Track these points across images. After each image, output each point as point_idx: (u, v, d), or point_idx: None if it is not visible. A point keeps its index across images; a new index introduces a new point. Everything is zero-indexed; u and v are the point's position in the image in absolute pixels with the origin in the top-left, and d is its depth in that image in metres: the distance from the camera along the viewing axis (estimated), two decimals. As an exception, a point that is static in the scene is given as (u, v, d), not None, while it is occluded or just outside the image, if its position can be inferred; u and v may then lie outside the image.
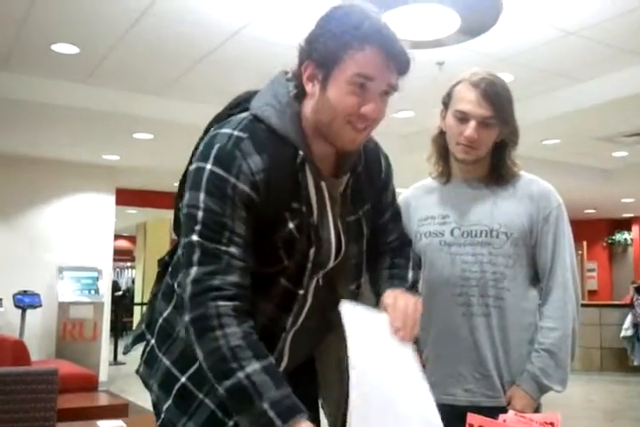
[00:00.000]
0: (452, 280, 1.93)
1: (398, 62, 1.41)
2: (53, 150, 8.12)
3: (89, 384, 5.68)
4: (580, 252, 14.07)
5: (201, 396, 1.50)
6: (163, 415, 1.55)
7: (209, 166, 1.39)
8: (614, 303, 11.21)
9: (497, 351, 1.89)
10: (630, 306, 9.96)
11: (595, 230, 14.34)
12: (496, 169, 1.98)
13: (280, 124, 1.44)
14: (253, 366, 1.30)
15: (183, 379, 1.52)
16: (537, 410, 1.88)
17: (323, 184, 1.49)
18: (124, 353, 1.89)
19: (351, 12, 1.41)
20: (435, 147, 2.04)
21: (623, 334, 9.75)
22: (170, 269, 1.63)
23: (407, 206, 2.08)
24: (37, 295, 8.03)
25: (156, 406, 1.58)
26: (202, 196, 1.39)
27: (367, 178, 1.61)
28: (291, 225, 1.44)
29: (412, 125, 7.15)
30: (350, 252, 1.59)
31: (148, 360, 1.62)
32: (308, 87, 1.44)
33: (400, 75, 1.43)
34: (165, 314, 1.60)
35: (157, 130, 6.78)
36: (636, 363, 9.76)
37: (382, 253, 1.71)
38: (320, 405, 1.71)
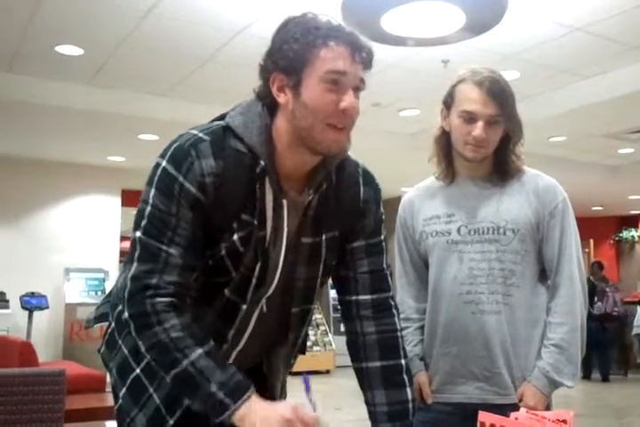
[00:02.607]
0: (460, 278, 1.92)
1: (363, 54, 1.41)
2: (58, 152, 8.13)
3: (97, 385, 5.67)
4: (586, 250, 14.03)
5: (151, 390, 1.52)
6: (120, 401, 1.58)
7: (164, 163, 1.40)
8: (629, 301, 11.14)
9: (507, 348, 1.88)
10: None
11: (602, 228, 14.30)
12: (500, 165, 1.97)
13: (247, 134, 1.43)
14: (196, 353, 1.34)
15: (138, 370, 1.54)
16: (548, 407, 1.87)
17: (284, 202, 1.47)
18: (86, 327, 1.90)
19: (306, 18, 1.44)
20: (437, 147, 2.02)
21: (635, 331, 9.66)
22: None
23: (411, 206, 2.08)
24: (44, 297, 8.05)
25: (114, 389, 1.61)
26: (152, 192, 1.40)
27: (338, 204, 1.55)
28: (235, 236, 1.43)
29: (417, 124, 7.14)
30: (298, 274, 1.56)
31: (109, 343, 1.64)
32: (281, 98, 1.42)
33: (365, 69, 1.42)
34: None
35: (163, 131, 6.73)
36: (638, 360, 9.72)
37: (363, 324, 1.62)
38: None
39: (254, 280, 1.48)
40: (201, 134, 1.43)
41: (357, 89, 1.42)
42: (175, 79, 5.97)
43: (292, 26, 1.42)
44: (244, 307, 1.50)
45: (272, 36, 1.45)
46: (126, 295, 1.39)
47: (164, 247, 1.38)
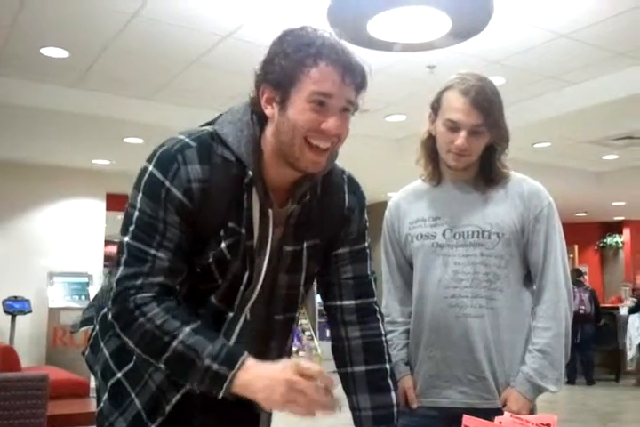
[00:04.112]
0: (444, 282, 1.92)
1: (354, 76, 1.39)
2: (43, 155, 8.07)
3: (80, 391, 5.62)
4: (571, 255, 14.09)
5: (133, 395, 1.50)
6: (101, 405, 1.56)
7: (151, 167, 1.40)
8: (606, 306, 11.21)
9: (491, 353, 1.88)
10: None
11: (586, 234, 14.38)
12: (485, 172, 1.97)
13: (235, 144, 1.42)
14: (184, 332, 1.33)
15: (119, 374, 1.53)
16: (532, 411, 1.87)
17: (270, 211, 1.47)
18: (72, 332, 1.90)
19: (303, 33, 1.40)
20: (424, 150, 2.03)
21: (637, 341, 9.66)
22: None
23: (398, 209, 2.08)
24: (27, 301, 7.98)
25: (98, 392, 1.60)
26: (140, 196, 1.40)
27: (321, 212, 1.55)
28: (223, 244, 1.43)
29: (403, 129, 7.15)
30: (279, 281, 1.56)
31: (93, 346, 1.63)
32: (268, 111, 1.41)
33: (358, 90, 1.41)
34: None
35: (148, 134, 6.74)
36: (629, 368, 9.76)
37: (348, 329, 1.62)
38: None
39: (242, 288, 1.48)
40: (188, 140, 1.42)
41: (346, 110, 1.41)
42: (161, 83, 5.95)
43: (288, 39, 1.40)
44: (231, 315, 1.50)
45: (269, 47, 1.44)
46: (111, 298, 1.39)
47: (153, 251, 1.38)
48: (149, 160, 1.42)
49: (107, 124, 6.52)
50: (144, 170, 1.41)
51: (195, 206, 1.40)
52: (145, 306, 1.35)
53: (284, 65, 1.36)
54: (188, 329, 1.33)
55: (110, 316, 1.39)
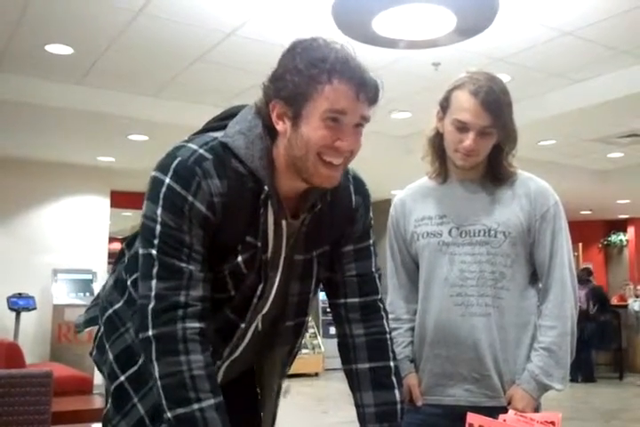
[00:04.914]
0: (450, 280, 1.92)
1: (368, 92, 1.38)
2: (47, 152, 8.09)
3: (84, 387, 5.64)
4: (575, 253, 14.07)
5: (135, 399, 1.50)
6: (108, 406, 1.56)
7: (167, 180, 1.36)
8: (612, 304, 11.19)
9: (496, 351, 1.88)
10: None
11: (590, 232, 14.35)
12: (493, 170, 1.97)
13: (249, 158, 1.40)
14: (209, 402, 1.32)
15: (122, 378, 1.52)
16: (537, 410, 1.86)
17: (283, 223, 1.47)
18: (77, 332, 1.89)
19: (315, 45, 1.37)
20: (431, 147, 2.02)
21: None
22: (126, 260, 1.62)
23: (403, 207, 2.08)
24: (32, 298, 8.00)
25: (106, 393, 1.59)
26: (159, 210, 1.36)
27: (330, 218, 1.55)
28: (240, 258, 1.43)
29: (408, 127, 7.14)
30: (291, 289, 1.56)
31: (99, 347, 1.62)
32: (279, 126, 1.40)
33: (371, 104, 1.40)
34: (117, 306, 1.59)
35: (152, 131, 6.74)
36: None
37: (351, 324, 1.63)
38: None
39: (255, 300, 1.48)
40: (202, 151, 1.39)
41: (359, 126, 1.41)
42: (165, 80, 5.95)
43: (299, 52, 1.37)
44: (243, 325, 1.51)
45: (279, 59, 1.41)
46: (150, 313, 1.35)
47: (184, 264, 1.36)
48: (163, 171, 1.38)
49: (111, 121, 6.52)
50: (159, 182, 1.37)
51: (216, 220, 1.38)
52: (191, 343, 1.34)
53: (297, 81, 1.34)
54: (212, 401, 1.32)
55: (150, 333, 1.35)
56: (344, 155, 1.40)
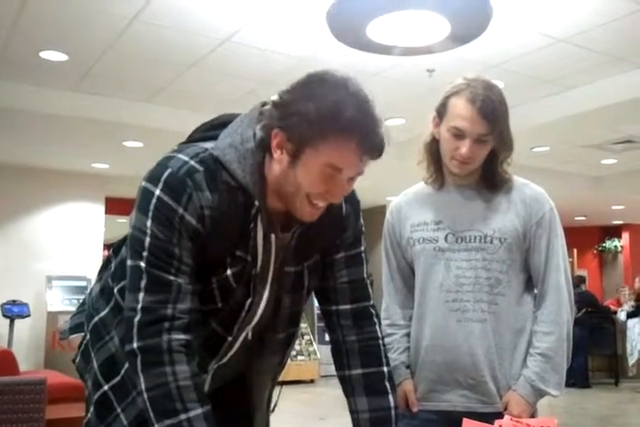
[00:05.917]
0: (446, 286, 1.92)
1: (373, 155, 1.37)
2: (42, 159, 8.07)
3: (78, 395, 5.57)
4: (570, 259, 14.03)
5: (119, 409, 1.49)
6: (89, 415, 1.55)
7: (157, 192, 1.35)
8: (606, 309, 11.20)
9: (492, 357, 1.88)
10: None
11: (585, 238, 14.38)
12: (488, 177, 1.97)
13: (240, 172, 1.39)
14: (196, 411, 1.31)
15: (106, 387, 1.51)
16: (533, 415, 1.86)
17: (272, 237, 1.47)
18: (61, 339, 1.87)
19: (330, 87, 1.34)
20: (427, 153, 2.02)
21: None
22: (113, 267, 1.60)
23: (399, 212, 2.08)
24: (26, 305, 7.97)
25: (87, 402, 1.58)
26: (149, 222, 1.35)
27: (320, 228, 1.53)
28: (229, 272, 1.42)
29: (403, 133, 7.11)
30: (283, 303, 1.56)
31: (85, 354, 1.61)
32: (276, 154, 1.38)
33: (372, 160, 1.40)
34: (102, 314, 1.58)
35: (147, 138, 6.74)
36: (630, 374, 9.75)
37: (343, 329, 1.63)
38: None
39: (243, 314, 1.48)
40: (193, 163, 1.38)
41: (353, 178, 1.42)
42: (160, 86, 5.95)
43: (312, 97, 1.32)
44: (230, 339, 1.51)
45: (288, 89, 1.37)
46: (136, 326, 1.35)
47: (172, 278, 1.35)
48: (153, 182, 1.37)
49: (106, 128, 6.51)
50: (149, 193, 1.36)
51: (206, 233, 1.38)
52: (176, 354, 1.33)
53: (305, 129, 1.31)
54: (200, 411, 1.31)
55: (134, 346, 1.34)
56: (332, 201, 1.42)
